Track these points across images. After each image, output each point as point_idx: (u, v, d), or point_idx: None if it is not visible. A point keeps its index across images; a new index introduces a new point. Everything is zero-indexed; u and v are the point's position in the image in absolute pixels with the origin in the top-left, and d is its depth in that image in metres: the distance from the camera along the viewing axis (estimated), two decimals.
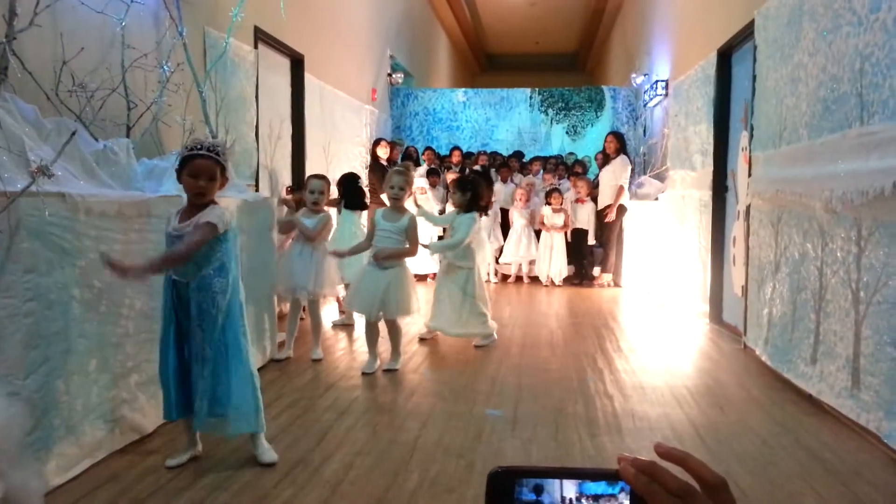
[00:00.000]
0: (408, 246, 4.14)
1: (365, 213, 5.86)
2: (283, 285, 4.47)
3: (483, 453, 2.90)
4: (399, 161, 8.91)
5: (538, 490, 0.59)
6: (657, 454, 0.61)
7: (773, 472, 2.73)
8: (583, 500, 0.59)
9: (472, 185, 4.86)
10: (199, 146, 2.62)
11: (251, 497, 2.47)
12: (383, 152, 8.23)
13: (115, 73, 3.55)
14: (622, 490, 0.59)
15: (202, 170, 2.60)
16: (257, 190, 5.28)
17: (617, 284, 8.21)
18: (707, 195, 5.89)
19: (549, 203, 8.21)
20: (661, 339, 5.30)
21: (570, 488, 0.59)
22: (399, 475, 2.67)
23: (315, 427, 3.21)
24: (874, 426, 2.97)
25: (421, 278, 8.24)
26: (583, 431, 3.18)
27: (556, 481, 0.59)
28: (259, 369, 4.07)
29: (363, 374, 4.10)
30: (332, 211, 5.35)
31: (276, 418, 3.30)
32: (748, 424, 3.31)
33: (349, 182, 5.63)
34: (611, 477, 0.59)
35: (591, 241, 8.32)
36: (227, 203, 3.77)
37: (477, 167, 8.90)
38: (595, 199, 8.23)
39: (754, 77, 4.69)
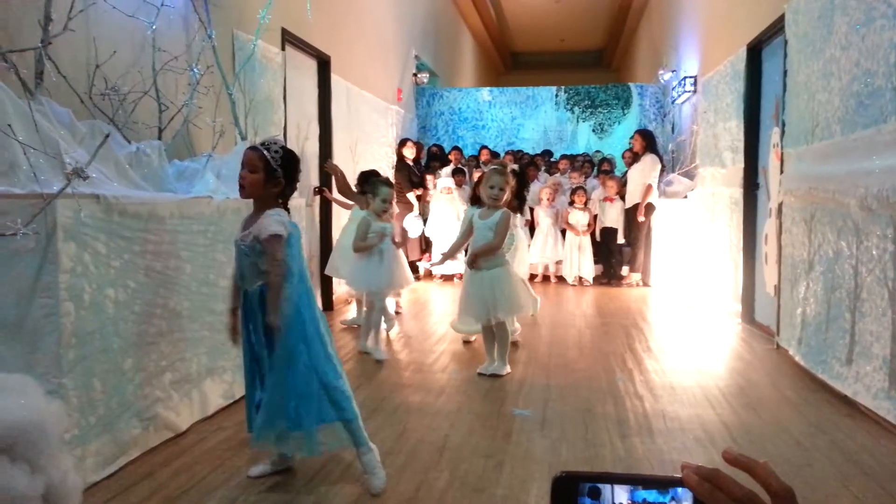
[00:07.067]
0: (492, 239, 4.04)
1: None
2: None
3: (512, 453, 2.89)
4: (424, 161, 8.95)
5: (594, 494, 0.59)
6: (724, 459, 0.61)
7: (808, 474, 2.68)
8: None
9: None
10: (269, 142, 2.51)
11: (282, 495, 2.49)
12: (409, 152, 8.27)
13: (146, 76, 3.60)
14: (673, 499, 0.59)
15: (245, 161, 2.49)
16: None
17: (646, 284, 8.12)
18: (738, 192, 5.80)
19: (572, 202, 8.16)
20: (691, 339, 5.24)
21: (621, 494, 0.59)
22: (429, 475, 2.68)
23: None
24: None
25: (448, 278, 8.25)
26: (613, 432, 3.16)
27: (609, 486, 0.59)
28: None
29: (479, 374, 4.09)
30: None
31: None
32: (782, 426, 3.26)
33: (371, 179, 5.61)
34: (675, 484, 0.59)
35: (621, 240, 8.25)
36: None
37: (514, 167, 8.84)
38: (624, 198, 8.16)
39: (785, 72, 4.61)
